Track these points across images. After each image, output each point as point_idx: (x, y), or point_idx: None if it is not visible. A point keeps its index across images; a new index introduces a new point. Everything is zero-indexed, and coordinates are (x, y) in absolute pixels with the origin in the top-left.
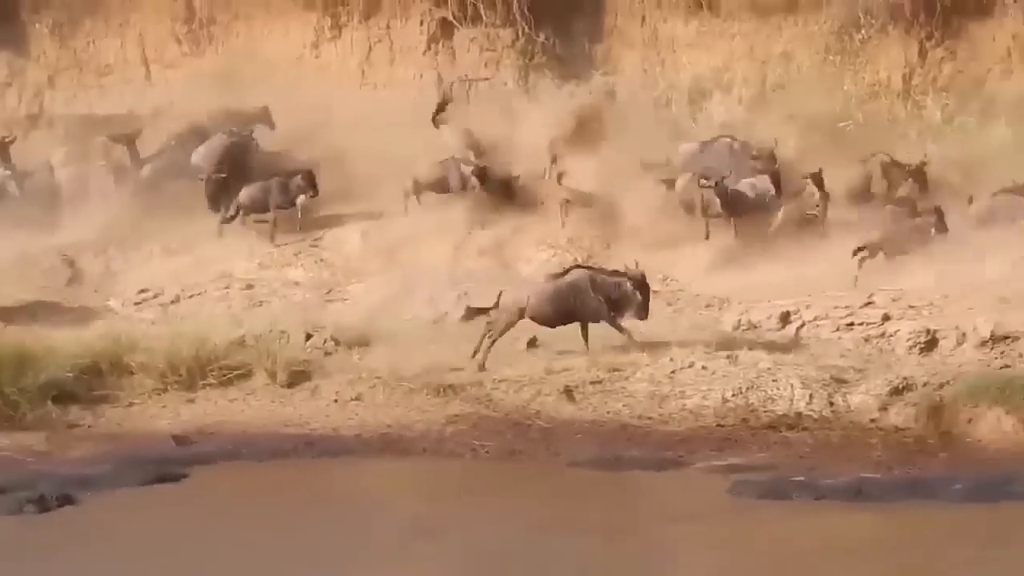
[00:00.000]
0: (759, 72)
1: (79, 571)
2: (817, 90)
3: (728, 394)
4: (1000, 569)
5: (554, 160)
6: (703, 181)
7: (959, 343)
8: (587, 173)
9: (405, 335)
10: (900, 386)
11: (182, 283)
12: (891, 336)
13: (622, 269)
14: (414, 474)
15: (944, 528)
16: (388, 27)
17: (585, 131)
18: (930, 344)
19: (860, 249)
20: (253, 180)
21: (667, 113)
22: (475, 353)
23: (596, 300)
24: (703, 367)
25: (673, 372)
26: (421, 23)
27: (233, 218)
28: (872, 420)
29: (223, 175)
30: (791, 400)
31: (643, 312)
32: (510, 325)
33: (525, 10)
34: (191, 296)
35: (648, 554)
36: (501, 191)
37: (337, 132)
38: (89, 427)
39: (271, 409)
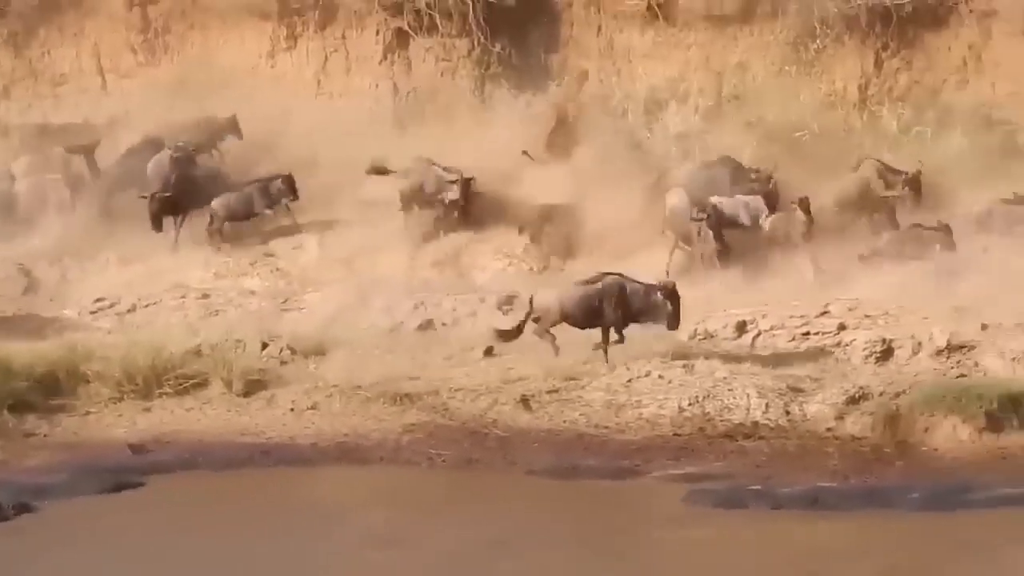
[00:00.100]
0: (715, 82)
1: None
2: (773, 100)
3: (684, 403)
4: None
5: (514, 171)
6: (696, 213)
7: (915, 352)
8: (545, 184)
9: (361, 344)
10: (856, 395)
11: (138, 292)
12: (847, 346)
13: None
14: (371, 483)
15: (901, 537)
16: (344, 37)
17: (542, 141)
18: (886, 354)
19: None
20: (200, 195)
21: (623, 123)
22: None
23: (615, 310)
24: (659, 376)
25: (629, 381)
26: (377, 33)
27: (212, 226)
28: (828, 429)
29: (167, 194)
30: (747, 409)
31: (674, 322)
32: (555, 324)
33: (481, 20)
34: (147, 305)
35: (605, 563)
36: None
37: (293, 141)
38: (45, 436)
39: (227, 418)
